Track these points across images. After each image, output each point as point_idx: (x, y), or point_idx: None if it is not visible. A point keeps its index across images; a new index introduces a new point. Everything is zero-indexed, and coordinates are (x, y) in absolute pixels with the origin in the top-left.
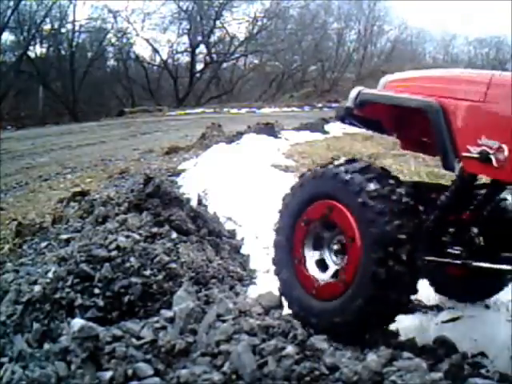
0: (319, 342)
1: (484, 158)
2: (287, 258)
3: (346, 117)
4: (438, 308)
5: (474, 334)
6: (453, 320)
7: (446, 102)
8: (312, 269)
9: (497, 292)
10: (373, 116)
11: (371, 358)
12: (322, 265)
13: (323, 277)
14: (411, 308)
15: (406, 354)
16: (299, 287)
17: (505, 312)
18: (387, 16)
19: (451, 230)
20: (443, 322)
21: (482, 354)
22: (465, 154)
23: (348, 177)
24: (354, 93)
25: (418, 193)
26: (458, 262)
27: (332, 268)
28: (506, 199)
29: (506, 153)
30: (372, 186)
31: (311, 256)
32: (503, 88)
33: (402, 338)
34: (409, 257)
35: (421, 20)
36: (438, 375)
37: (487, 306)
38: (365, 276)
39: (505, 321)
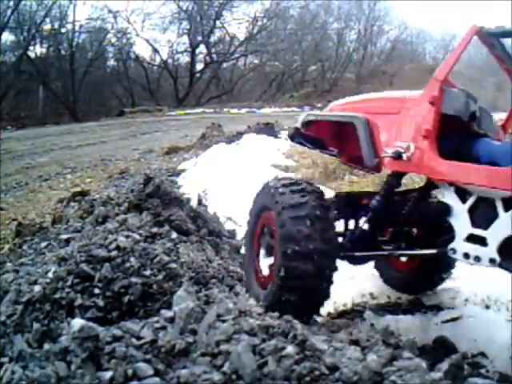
0: (319, 342)
1: (397, 155)
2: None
3: (295, 136)
4: (437, 308)
5: (473, 334)
6: (453, 320)
7: (370, 117)
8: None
9: (440, 282)
10: (317, 135)
11: (371, 357)
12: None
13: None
14: (410, 308)
15: (406, 354)
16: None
17: (505, 312)
18: (387, 16)
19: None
20: (443, 322)
21: (482, 354)
22: (383, 155)
23: (273, 190)
24: (302, 116)
25: (351, 201)
26: (385, 252)
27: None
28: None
29: (412, 150)
30: (284, 198)
31: (264, 258)
32: (413, 102)
33: (402, 337)
34: (312, 262)
35: (421, 20)
36: (437, 375)
37: (487, 306)
38: (276, 274)
39: (505, 321)
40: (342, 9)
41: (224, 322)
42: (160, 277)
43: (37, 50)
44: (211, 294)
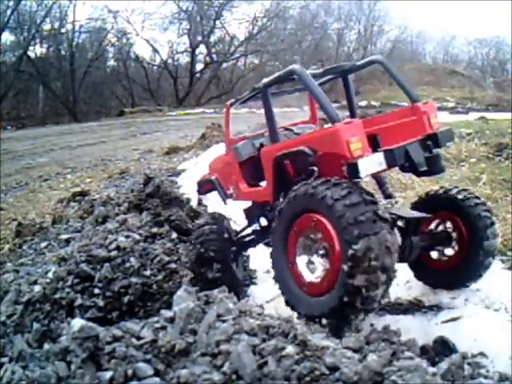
0: (319, 341)
1: (230, 194)
2: None
3: (200, 192)
4: (437, 308)
5: (474, 334)
6: (453, 320)
7: (217, 175)
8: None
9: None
10: (210, 189)
11: (371, 358)
12: None
13: None
14: (410, 308)
15: (406, 354)
16: None
17: (505, 312)
18: (387, 16)
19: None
20: (443, 322)
21: (482, 354)
22: (228, 194)
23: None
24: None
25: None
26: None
27: None
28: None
29: (232, 190)
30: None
31: None
32: (226, 160)
33: (402, 337)
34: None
35: (421, 20)
36: (437, 375)
37: (487, 306)
38: None
39: (505, 321)
40: (342, 9)
41: (224, 322)
42: (160, 277)
43: (37, 50)
44: (211, 294)
